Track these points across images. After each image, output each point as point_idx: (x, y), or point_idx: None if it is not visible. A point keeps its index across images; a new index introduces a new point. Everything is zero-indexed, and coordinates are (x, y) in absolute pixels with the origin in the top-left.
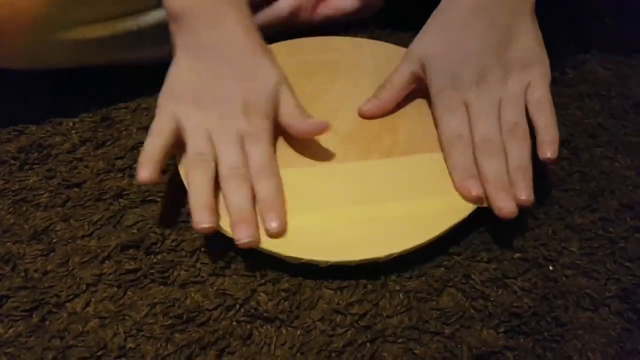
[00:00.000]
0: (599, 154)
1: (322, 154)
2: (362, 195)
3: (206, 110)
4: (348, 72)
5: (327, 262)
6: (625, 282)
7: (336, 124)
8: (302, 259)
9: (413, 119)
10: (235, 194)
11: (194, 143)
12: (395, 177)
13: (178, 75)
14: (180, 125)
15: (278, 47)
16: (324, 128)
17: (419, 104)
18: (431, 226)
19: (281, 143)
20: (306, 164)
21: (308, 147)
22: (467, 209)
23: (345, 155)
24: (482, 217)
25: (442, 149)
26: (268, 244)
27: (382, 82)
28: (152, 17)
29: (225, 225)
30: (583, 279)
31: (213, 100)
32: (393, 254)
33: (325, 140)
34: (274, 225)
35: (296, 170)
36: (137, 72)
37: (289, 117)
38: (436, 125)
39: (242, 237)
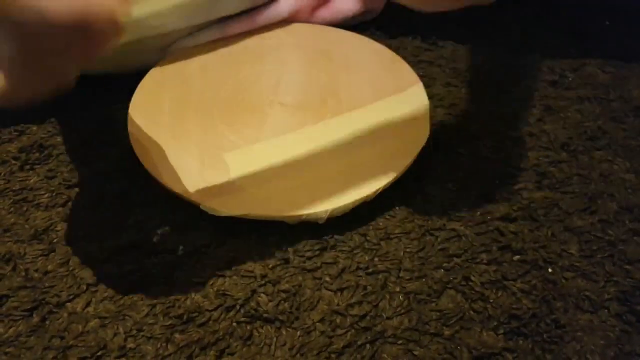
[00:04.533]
0: (598, 157)
1: (279, 126)
2: (331, 150)
3: None
4: (271, 53)
5: (326, 212)
6: (624, 285)
7: (281, 97)
8: (301, 215)
9: (348, 80)
10: None
11: None
12: (354, 129)
13: None
14: None
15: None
16: None
17: (350, 66)
18: (401, 159)
19: (235, 119)
20: (269, 135)
21: (263, 118)
22: (422, 140)
23: (301, 122)
24: (484, 220)
25: None
26: (262, 210)
27: None
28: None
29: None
30: (582, 281)
31: None
32: (379, 189)
33: (277, 114)
34: None
35: (262, 145)
36: (136, 74)
37: None
38: None
39: None
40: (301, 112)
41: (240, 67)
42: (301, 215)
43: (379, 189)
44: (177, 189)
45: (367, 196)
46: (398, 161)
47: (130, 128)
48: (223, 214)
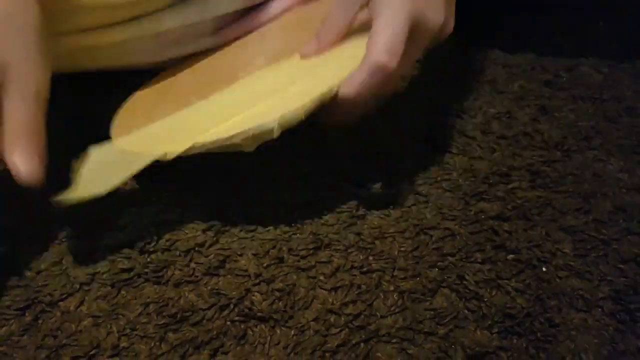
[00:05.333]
0: (592, 157)
1: None
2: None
3: None
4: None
5: (275, 121)
6: (618, 284)
7: (256, 61)
8: (250, 130)
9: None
10: None
11: None
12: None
13: None
14: None
15: None
16: None
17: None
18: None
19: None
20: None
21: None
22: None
23: None
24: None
25: None
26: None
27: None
28: (152, 25)
29: None
30: (576, 280)
31: None
32: (332, 88)
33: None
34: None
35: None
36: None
37: None
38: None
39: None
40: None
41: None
42: (248, 131)
43: (332, 88)
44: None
45: (322, 94)
46: (352, 61)
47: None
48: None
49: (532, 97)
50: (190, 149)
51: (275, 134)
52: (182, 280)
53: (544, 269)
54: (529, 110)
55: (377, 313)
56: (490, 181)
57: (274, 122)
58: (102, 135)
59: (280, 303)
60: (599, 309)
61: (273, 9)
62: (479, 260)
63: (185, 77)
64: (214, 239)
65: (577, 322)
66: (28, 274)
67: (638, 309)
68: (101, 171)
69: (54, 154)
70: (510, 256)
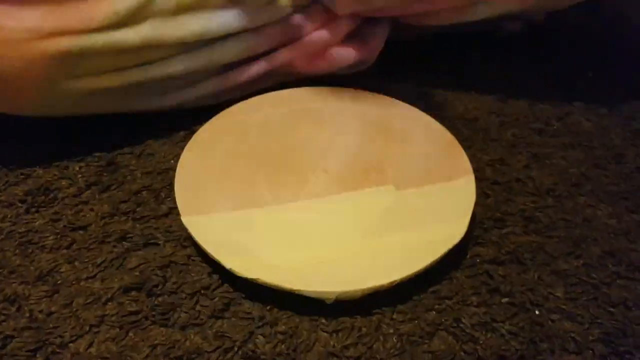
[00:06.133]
0: (582, 202)
1: (316, 190)
2: (362, 226)
3: None
4: (332, 118)
5: (334, 293)
6: (608, 327)
7: (326, 163)
8: (308, 291)
9: (399, 158)
10: None
11: None
12: (390, 208)
13: None
14: None
15: (268, 97)
16: None
17: (403, 144)
18: (426, 254)
19: (277, 179)
20: (303, 198)
21: (303, 182)
22: (455, 238)
23: (338, 189)
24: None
25: None
26: (273, 278)
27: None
28: (159, 69)
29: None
30: (568, 323)
31: None
32: (395, 280)
33: (317, 180)
34: None
35: (295, 205)
36: (143, 118)
37: None
38: None
39: None
40: (342, 182)
41: (297, 126)
42: (309, 291)
43: (395, 281)
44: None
45: (382, 286)
46: (423, 256)
47: (178, 167)
48: (240, 275)
49: (525, 145)
50: (255, 279)
51: (329, 302)
52: (188, 323)
53: (537, 312)
54: (521, 157)
55: (377, 355)
56: (485, 226)
57: (333, 295)
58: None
59: (283, 346)
60: (590, 351)
61: (277, 57)
62: (475, 303)
63: (259, 143)
64: (219, 282)
65: None
66: (39, 316)
67: (628, 351)
68: None
69: None
70: (505, 299)
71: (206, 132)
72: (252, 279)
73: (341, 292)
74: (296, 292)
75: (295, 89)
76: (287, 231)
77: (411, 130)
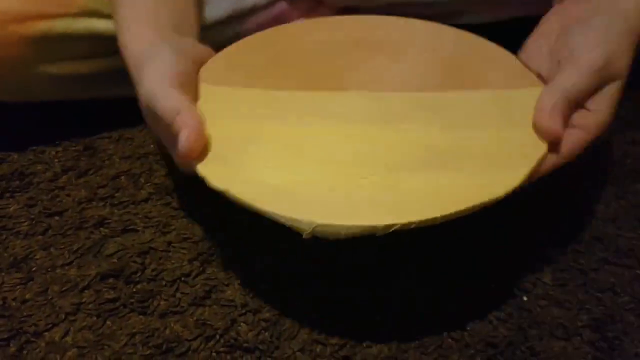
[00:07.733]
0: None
1: (352, 110)
2: (389, 160)
3: None
4: (392, 48)
5: (311, 225)
6: (596, 312)
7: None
8: (279, 215)
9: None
10: None
11: None
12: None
13: None
14: None
15: (327, 21)
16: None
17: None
18: (452, 202)
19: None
20: (329, 116)
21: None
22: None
23: (376, 117)
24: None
25: None
26: (245, 194)
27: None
28: None
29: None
30: (556, 309)
31: None
32: (389, 225)
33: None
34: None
35: (321, 121)
36: (121, 103)
37: None
38: None
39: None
40: (381, 111)
41: (349, 53)
42: (280, 216)
43: (389, 226)
44: None
45: (371, 227)
46: (439, 204)
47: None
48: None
49: None
50: (224, 190)
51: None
52: (168, 311)
53: (524, 298)
54: None
55: (363, 343)
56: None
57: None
58: None
59: (266, 333)
60: (578, 337)
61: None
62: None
63: (291, 62)
64: (200, 268)
65: (557, 350)
66: (12, 304)
67: (616, 337)
68: None
69: None
70: (493, 286)
71: (253, 40)
72: (220, 190)
73: (319, 225)
74: (266, 215)
75: (359, 15)
76: (296, 148)
77: (484, 74)
